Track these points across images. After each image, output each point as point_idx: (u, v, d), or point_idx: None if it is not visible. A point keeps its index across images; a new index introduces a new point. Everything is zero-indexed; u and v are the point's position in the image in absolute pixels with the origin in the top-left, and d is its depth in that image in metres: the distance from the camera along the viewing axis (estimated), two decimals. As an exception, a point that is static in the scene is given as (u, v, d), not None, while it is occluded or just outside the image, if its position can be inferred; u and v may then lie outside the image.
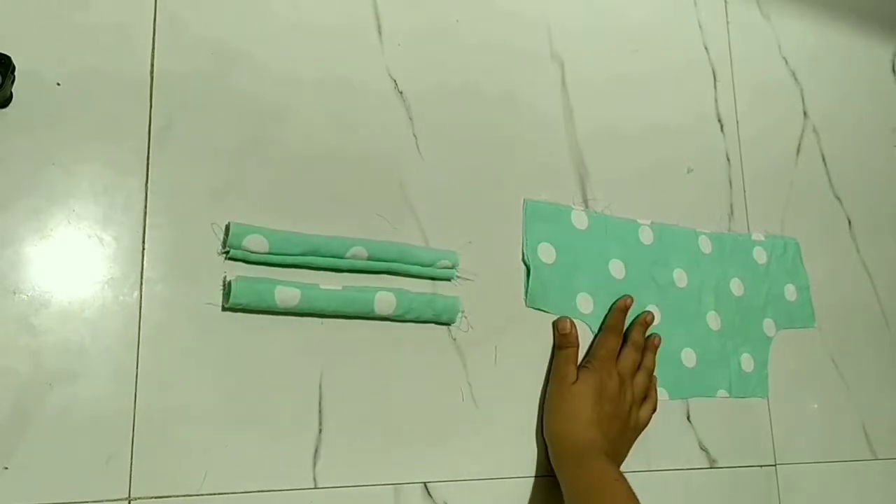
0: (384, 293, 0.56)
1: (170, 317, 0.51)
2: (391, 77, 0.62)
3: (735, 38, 0.85)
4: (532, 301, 0.65)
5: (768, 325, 0.79)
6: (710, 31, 0.83)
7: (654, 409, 0.67)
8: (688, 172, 0.74)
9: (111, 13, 0.53)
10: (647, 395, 0.67)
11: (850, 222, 0.89)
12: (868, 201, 0.92)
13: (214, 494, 0.50)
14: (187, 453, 0.50)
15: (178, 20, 0.55)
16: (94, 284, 0.49)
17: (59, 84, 0.50)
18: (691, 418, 0.71)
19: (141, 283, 0.50)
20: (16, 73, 0.47)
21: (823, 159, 0.89)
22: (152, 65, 0.53)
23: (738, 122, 0.83)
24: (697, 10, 0.83)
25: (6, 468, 0.45)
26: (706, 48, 0.83)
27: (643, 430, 0.66)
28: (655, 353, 0.69)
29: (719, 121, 0.82)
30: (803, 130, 0.89)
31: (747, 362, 0.76)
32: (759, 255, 0.80)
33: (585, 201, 0.70)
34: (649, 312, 0.69)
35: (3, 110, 0.48)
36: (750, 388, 0.76)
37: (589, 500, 0.56)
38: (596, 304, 0.69)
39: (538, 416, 0.63)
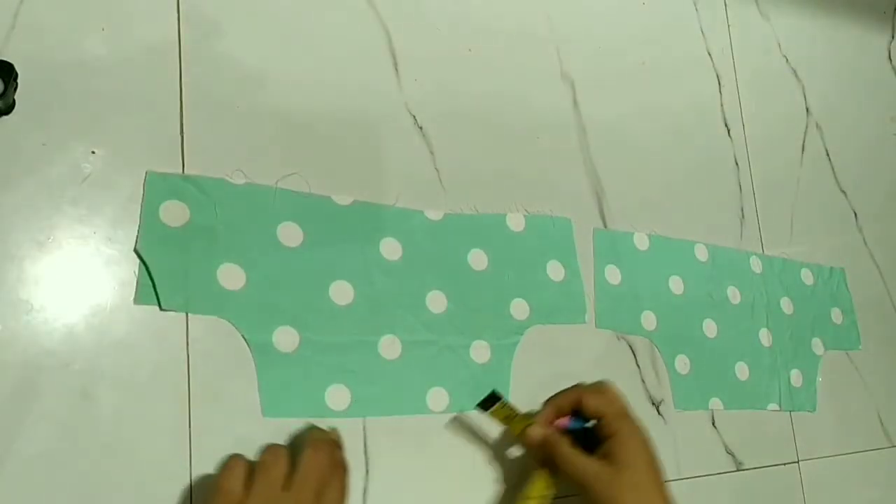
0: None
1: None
2: (410, 113, 0.62)
3: (736, 40, 0.85)
4: (601, 322, 0.67)
5: (816, 344, 0.82)
6: (712, 36, 0.83)
7: None
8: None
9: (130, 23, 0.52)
10: None
11: (856, 215, 0.91)
12: (872, 192, 0.93)
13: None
14: None
15: (201, 44, 0.55)
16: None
17: (63, 90, 0.49)
18: (716, 424, 0.72)
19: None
20: (18, 81, 0.46)
21: (827, 154, 0.90)
22: (180, 81, 0.53)
23: (744, 126, 0.83)
24: (699, 17, 0.83)
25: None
26: (709, 54, 0.83)
27: None
28: None
29: (726, 125, 0.82)
30: (807, 127, 0.90)
31: (796, 378, 0.79)
32: (807, 277, 0.83)
33: (603, 218, 0.71)
34: None
35: (6, 118, 0.47)
36: (799, 403, 0.78)
37: None
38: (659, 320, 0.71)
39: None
